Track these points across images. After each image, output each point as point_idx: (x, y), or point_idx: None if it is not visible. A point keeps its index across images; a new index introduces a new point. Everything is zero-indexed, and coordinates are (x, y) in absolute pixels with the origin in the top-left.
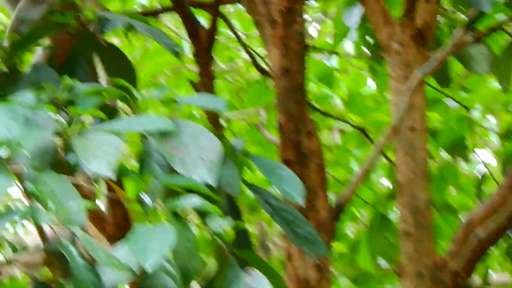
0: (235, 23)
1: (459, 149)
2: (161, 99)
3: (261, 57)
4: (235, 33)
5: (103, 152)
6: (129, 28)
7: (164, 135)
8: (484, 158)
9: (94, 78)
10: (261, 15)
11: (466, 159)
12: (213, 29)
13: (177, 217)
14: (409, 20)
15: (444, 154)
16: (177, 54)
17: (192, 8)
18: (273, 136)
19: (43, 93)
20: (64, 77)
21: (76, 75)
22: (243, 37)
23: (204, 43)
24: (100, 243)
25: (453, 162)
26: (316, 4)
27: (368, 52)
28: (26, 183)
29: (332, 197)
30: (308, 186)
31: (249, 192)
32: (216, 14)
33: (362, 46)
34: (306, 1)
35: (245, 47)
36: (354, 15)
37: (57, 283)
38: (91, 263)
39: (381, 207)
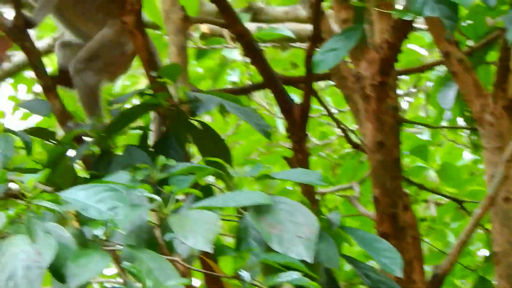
0: (328, 98)
1: None
2: (256, 176)
3: (353, 132)
4: (327, 109)
5: (199, 227)
6: (221, 107)
7: (260, 211)
8: None
9: (187, 157)
10: (352, 90)
11: None
12: (306, 105)
13: None
14: (501, 91)
15: None
16: (268, 135)
17: (284, 85)
18: (367, 210)
19: (138, 173)
20: (158, 157)
21: (169, 155)
22: (335, 112)
23: (297, 119)
24: None
25: None
26: (407, 78)
27: (464, 123)
28: (123, 262)
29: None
30: (404, 259)
31: (346, 266)
32: (308, 90)
33: (457, 118)
34: (398, 75)
35: (337, 123)
36: (449, 96)
37: None
38: None
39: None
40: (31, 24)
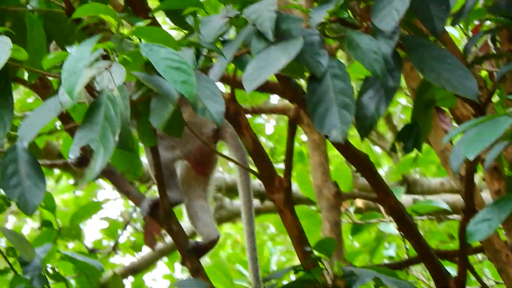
0: (486, 271)
1: None
2: None
3: None
4: (482, 283)
5: None
6: (377, 281)
7: None
8: None
9: None
10: (506, 263)
11: None
12: (462, 279)
13: None
14: None
15: None
16: None
17: (439, 258)
18: None
19: None
20: None
21: None
22: (493, 285)
23: None
24: None
25: None
26: None
27: None
28: None
29: None
30: None
31: None
32: (463, 264)
33: None
34: None
35: None
36: None
37: None
38: None
39: None
40: (175, 203)
